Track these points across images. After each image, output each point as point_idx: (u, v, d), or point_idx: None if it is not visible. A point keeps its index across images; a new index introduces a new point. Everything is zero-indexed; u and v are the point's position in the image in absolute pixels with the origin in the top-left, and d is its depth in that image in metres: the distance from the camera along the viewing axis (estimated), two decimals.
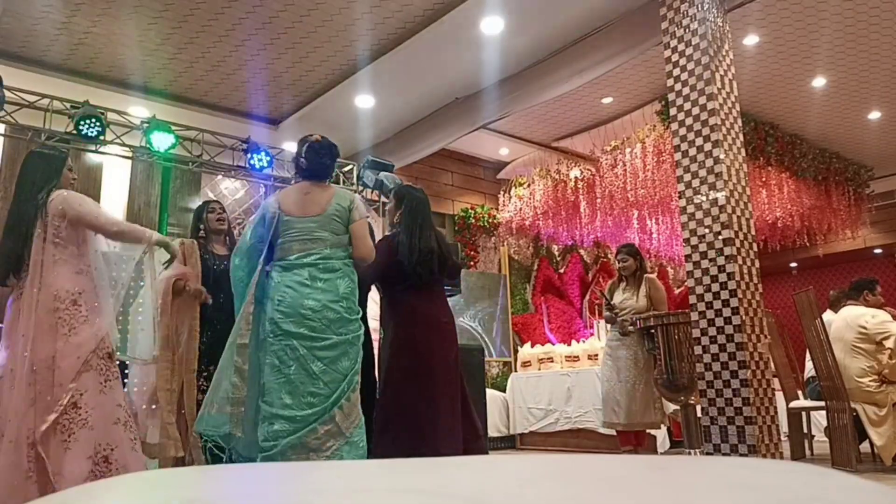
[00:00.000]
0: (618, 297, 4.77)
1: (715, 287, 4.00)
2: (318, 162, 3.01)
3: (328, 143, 3.07)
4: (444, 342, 3.27)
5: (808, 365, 5.08)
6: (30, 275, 2.69)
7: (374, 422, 3.05)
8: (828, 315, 4.88)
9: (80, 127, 4.75)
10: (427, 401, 3.08)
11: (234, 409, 2.69)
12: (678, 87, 4.31)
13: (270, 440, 2.62)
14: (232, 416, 2.69)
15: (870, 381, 4.31)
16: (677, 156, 4.30)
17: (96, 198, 5.91)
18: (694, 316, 4.07)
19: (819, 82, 6.37)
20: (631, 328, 4.57)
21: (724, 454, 3.86)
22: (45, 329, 2.62)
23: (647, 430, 4.86)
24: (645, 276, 4.79)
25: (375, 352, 3.46)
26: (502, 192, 8.02)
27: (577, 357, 6.69)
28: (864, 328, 4.40)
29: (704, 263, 4.07)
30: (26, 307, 2.65)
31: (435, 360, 3.17)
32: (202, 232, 3.70)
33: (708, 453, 3.98)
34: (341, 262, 2.86)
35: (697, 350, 4.05)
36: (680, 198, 4.26)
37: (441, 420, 3.09)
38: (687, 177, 4.22)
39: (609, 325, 4.89)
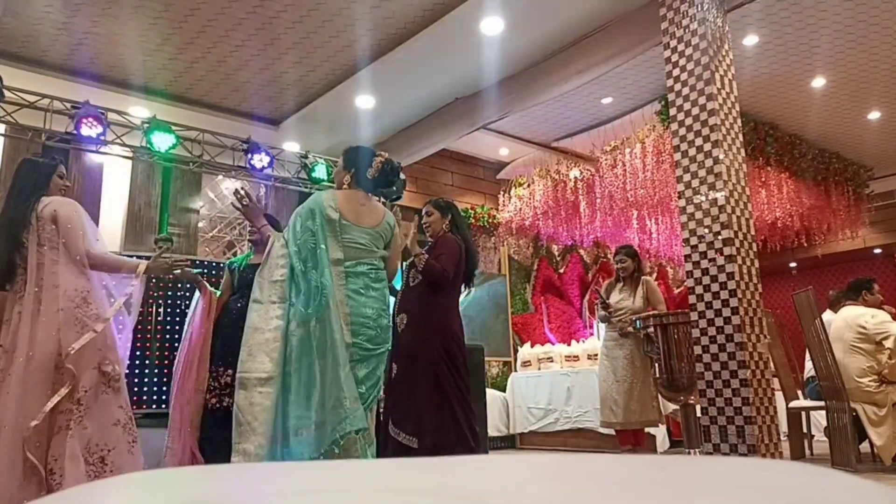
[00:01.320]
0: (614, 298, 4.79)
1: (715, 287, 4.00)
2: (387, 181, 3.10)
3: (399, 167, 3.18)
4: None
5: (808, 365, 5.08)
6: (28, 277, 2.69)
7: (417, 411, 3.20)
8: (827, 315, 4.88)
9: (81, 127, 4.75)
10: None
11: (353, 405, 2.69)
12: (678, 87, 4.31)
13: (317, 443, 2.63)
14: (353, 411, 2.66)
15: (869, 381, 4.32)
16: (677, 156, 4.30)
17: (97, 198, 5.92)
18: (694, 316, 4.07)
19: (819, 82, 6.37)
20: (631, 329, 4.58)
21: (723, 454, 3.86)
22: (55, 325, 2.62)
23: (646, 430, 4.87)
24: (642, 277, 4.80)
25: None
26: (502, 193, 8.02)
27: (577, 357, 6.70)
28: (864, 328, 4.40)
29: (704, 263, 4.07)
30: (28, 308, 2.65)
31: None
32: None
33: (708, 453, 3.98)
34: (385, 274, 3.00)
35: (697, 350, 4.05)
36: (680, 198, 4.27)
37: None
38: (687, 177, 4.22)
39: (605, 325, 4.90)
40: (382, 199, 6.13)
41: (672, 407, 4.99)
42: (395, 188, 3.15)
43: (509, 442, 6.84)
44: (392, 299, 3.33)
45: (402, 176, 6.04)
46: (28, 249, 2.72)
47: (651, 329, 4.41)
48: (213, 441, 3.34)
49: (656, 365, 4.45)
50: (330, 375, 2.65)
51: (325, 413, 2.62)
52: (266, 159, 5.61)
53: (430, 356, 3.28)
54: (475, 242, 7.91)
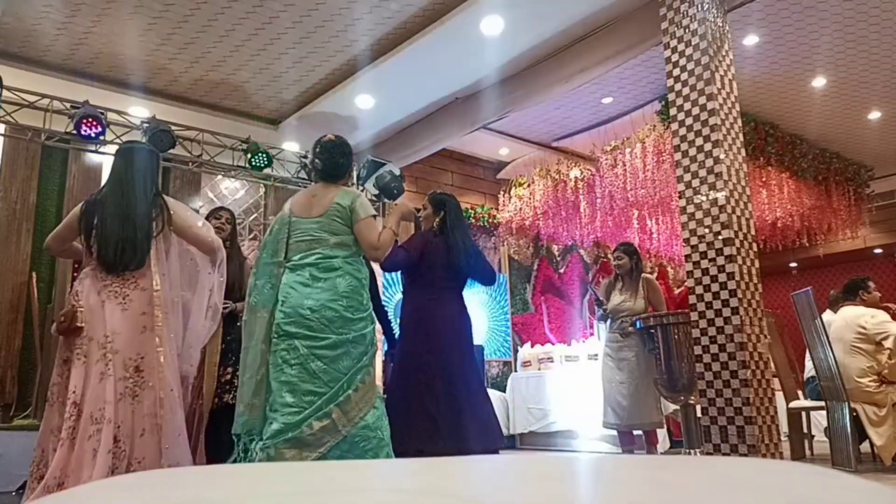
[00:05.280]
0: (615, 299, 4.77)
1: (715, 287, 4.00)
2: (332, 161, 3.02)
3: (341, 140, 3.09)
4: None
5: (808, 365, 5.07)
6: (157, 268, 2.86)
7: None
8: (827, 315, 4.88)
9: (80, 127, 4.75)
10: None
11: (258, 409, 2.79)
12: (678, 87, 4.31)
13: (269, 438, 2.63)
14: (251, 415, 2.80)
15: (869, 381, 4.32)
16: (677, 156, 4.30)
17: None
18: (694, 316, 4.07)
19: (819, 82, 6.37)
20: (631, 329, 4.58)
21: (724, 454, 3.86)
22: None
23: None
24: (642, 276, 4.79)
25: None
26: (502, 192, 8.02)
27: (577, 357, 6.69)
28: (864, 328, 4.40)
29: (704, 263, 4.07)
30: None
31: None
32: None
33: (708, 453, 3.98)
34: (342, 261, 2.85)
35: (697, 350, 4.04)
36: (680, 198, 4.26)
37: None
38: (687, 177, 4.22)
39: (605, 325, 4.90)
40: (375, 195, 6.16)
41: (672, 407, 4.98)
42: (341, 162, 3.02)
43: (509, 442, 6.83)
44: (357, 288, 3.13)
45: (398, 171, 6.07)
46: (152, 243, 2.84)
47: (651, 329, 4.40)
48: (215, 440, 3.37)
49: (657, 364, 4.45)
50: (246, 375, 2.80)
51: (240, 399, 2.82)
52: (265, 159, 5.61)
53: (400, 350, 3.50)
54: (475, 242, 7.92)
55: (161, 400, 2.61)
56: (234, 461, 2.76)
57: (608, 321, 4.82)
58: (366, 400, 2.76)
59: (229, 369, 3.54)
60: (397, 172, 6.11)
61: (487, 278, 3.68)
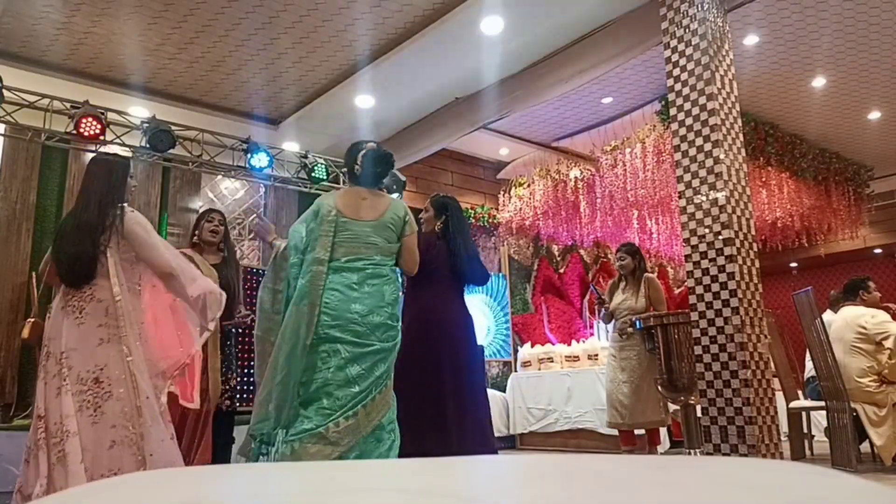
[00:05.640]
0: (617, 298, 4.78)
1: (715, 287, 4.00)
2: (373, 171, 3.04)
3: (385, 152, 3.11)
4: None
5: (808, 365, 5.08)
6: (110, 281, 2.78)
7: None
8: (828, 315, 4.87)
9: (80, 127, 4.75)
10: None
11: (288, 408, 2.72)
12: (678, 87, 4.31)
13: (296, 434, 2.65)
14: (284, 414, 2.73)
15: (870, 381, 4.31)
16: (677, 156, 4.30)
17: None
18: (694, 316, 4.07)
19: (819, 82, 6.37)
20: (630, 329, 4.58)
21: (724, 454, 3.86)
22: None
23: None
24: (645, 276, 4.79)
25: None
26: (502, 192, 8.02)
27: (577, 357, 6.69)
28: (864, 328, 4.40)
29: (704, 263, 4.07)
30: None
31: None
32: (196, 239, 3.74)
33: (708, 453, 3.98)
34: (389, 269, 2.93)
35: (697, 350, 4.04)
36: (680, 198, 4.26)
37: None
38: (687, 177, 4.22)
39: (609, 325, 4.90)
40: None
41: (672, 407, 4.99)
42: (380, 171, 3.04)
43: (509, 442, 6.84)
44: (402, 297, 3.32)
45: (403, 177, 6.06)
46: (108, 258, 2.74)
47: (652, 328, 4.40)
48: (216, 443, 3.39)
49: (658, 364, 4.45)
50: (280, 373, 2.73)
51: (268, 397, 2.74)
52: (266, 159, 5.61)
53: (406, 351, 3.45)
54: (475, 243, 7.92)
55: (139, 409, 2.57)
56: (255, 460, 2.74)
57: (611, 321, 4.83)
58: (385, 401, 2.80)
59: (227, 375, 3.59)
60: (403, 178, 6.09)
61: (482, 280, 3.72)
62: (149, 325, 2.84)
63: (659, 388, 4.41)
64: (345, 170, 6.15)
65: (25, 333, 3.14)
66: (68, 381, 2.58)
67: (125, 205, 2.86)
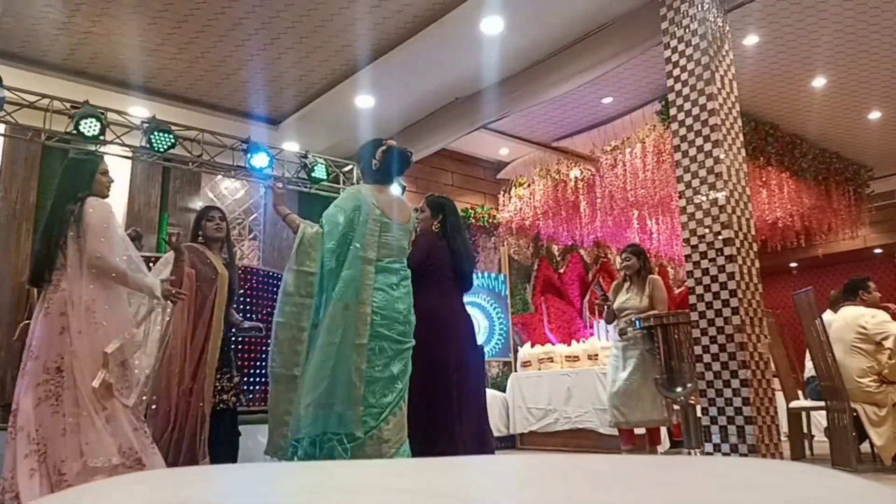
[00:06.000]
0: (621, 298, 4.78)
1: (715, 287, 4.00)
2: (395, 167, 3.07)
3: (405, 150, 3.13)
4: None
5: (808, 365, 5.07)
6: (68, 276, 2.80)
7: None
8: (828, 315, 4.87)
9: (80, 127, 4.75)
10: None
11: (355, 409, 2.69)
12: (678, 87, 4.31)
13: (352, 438, 2.68)
14: (355, 415, 2.69)
15: (870, 381, 4.31)
16: (677, 156, 4.30)
17: None
18: (694, 316, 4.07)
19: (819, 82, 6.37)
20: (630, 329, 4.58)
21: (724, 454, 3.86)
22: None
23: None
24: (649, 277, 4.79)
25: None
26: (502, 192, 8.02)
27: (577, 357, 6.69)
28: (864, 328, 4.40)
29: (704, 263, 4.07)
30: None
31: None
32: (200, 238, 3.72)
33: (708, 453, 3.98)
34: (410, 272, 3.03)
35: (698, 350, 4.04)
36: (680, 198, 4.26)
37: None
38: (687, 177, 4.22)
39: (610, 325, 4.90)
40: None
41: (673, 407, 4.99)
42: (402, 170, 3.10)
43: (509, 442, 6.84)
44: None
45: (402, 183, 6.06)
46: (68, 249, 2.78)
47: (652, 328, 4.40)
48: (216, 441, 3.38)
49: (658, 364, 4.45)
50: (344, 369, 2.71)
51: (330, 397, 2.69)
52: (266, 159, 5.61)
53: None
54: (475, 242, 7.92)
55: (76, 399, 2.61)
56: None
57: (613, 321, 4.83)
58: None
59: (227, 374, 3.59)
60: (402, 184, 6.09)
61: (472, 281, 3.75)
62: (105, 312, 2.81)
63: (659, 388, 4.41)
64: (345, 170, 6.24)
65: (17, 335, 3.28)
66: (35, 372, 2.66)
67: (92, 198, 2.86)
